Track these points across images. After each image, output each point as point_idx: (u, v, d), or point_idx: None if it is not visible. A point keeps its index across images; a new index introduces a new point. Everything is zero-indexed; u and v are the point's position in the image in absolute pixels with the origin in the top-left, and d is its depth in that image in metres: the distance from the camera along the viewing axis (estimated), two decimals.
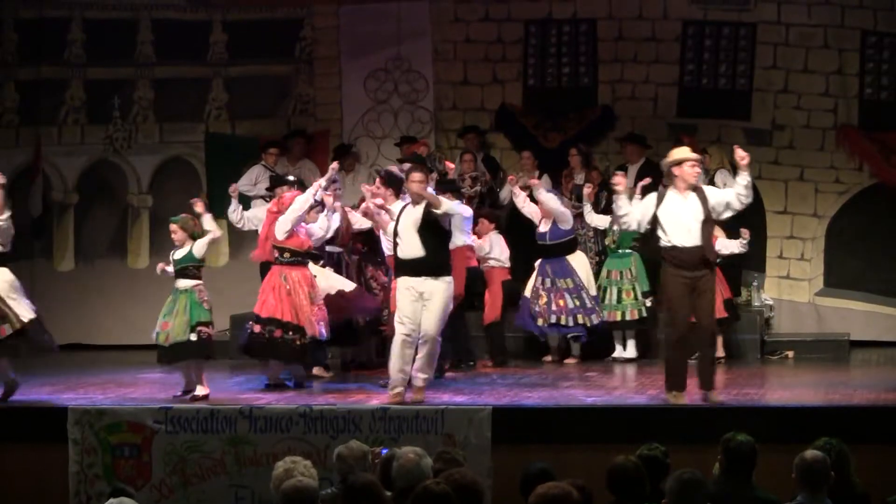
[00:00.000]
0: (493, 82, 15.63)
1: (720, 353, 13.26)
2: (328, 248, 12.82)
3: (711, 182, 14.39)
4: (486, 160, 15.16)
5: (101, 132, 16.02)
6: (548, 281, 13.51)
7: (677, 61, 15.31)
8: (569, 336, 13.70)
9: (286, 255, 11.84)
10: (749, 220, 14.70)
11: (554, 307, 13.43)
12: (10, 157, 15.94)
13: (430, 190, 11.29)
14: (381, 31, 15.70)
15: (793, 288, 15.02)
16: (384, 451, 7.72)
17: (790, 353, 13.89)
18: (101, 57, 15.98)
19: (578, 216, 13.98)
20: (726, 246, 13.13)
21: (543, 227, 13.59)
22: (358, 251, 13.12)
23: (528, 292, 13.61)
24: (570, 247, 13.67)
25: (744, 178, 10.46)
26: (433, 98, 15.73)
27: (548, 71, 15.62)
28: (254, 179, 14.65)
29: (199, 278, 11.43)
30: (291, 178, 13.07)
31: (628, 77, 15.41)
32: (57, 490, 10.36)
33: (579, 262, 13.67)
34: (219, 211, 15.54)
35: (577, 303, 13.42)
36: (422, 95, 15.75)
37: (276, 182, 13.00)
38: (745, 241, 13.15)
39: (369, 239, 12.96)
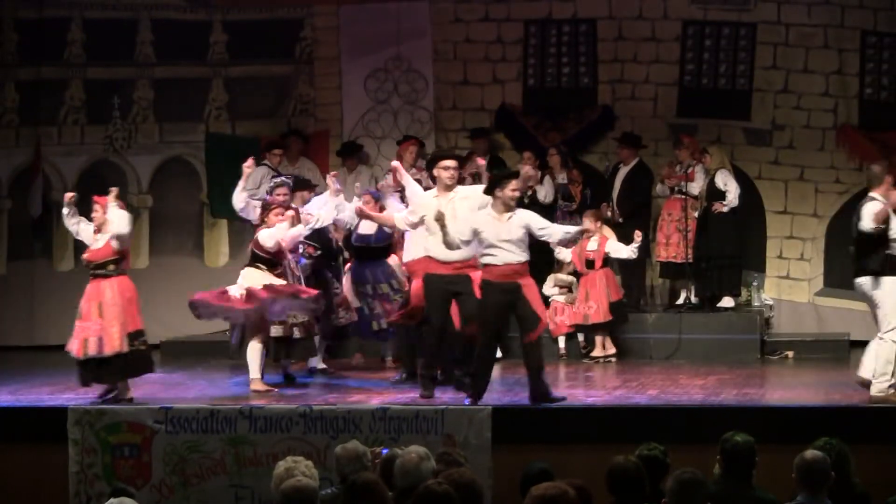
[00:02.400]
0: (493, 82, 15.63)
1: (610, 350, 13.49)
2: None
3: (711, 182, 14.41)
4: (492, 160, 15.13)
5: (101, 132, 16.01)
6: (368, 287, 12.98)
7: (677, 61, 15.31)
8: None
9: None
10: (749, 220, 14.78)
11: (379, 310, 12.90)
12: (10, 157, 15.96)
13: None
14: (381, 31, 15.69)
15: (793, 288, 15.02)
16: (384, 452, 7.71)
17: (790, 353, 13.87)
18: (101, 57, 15.97)
19: (571, 214, 14.11)
20: (616, 250, 13.32)
21: (368, 230, 12.93)
22: (310, 255, 12.70)
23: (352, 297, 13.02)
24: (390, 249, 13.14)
25: None
26: (433, 98, 15.73)
27: (548, 71, 15.62)
28: (258, 181, 14.56)
29: None
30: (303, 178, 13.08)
31: (628, 77, 15.41)
32: (57, 490, 10.35)
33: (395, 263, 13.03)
34: (218, 210, 15.61)
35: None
36: (422, 95, 15.75)
37: (300, 185, 12.92)
38: (636, 247, 12.93)
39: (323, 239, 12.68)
